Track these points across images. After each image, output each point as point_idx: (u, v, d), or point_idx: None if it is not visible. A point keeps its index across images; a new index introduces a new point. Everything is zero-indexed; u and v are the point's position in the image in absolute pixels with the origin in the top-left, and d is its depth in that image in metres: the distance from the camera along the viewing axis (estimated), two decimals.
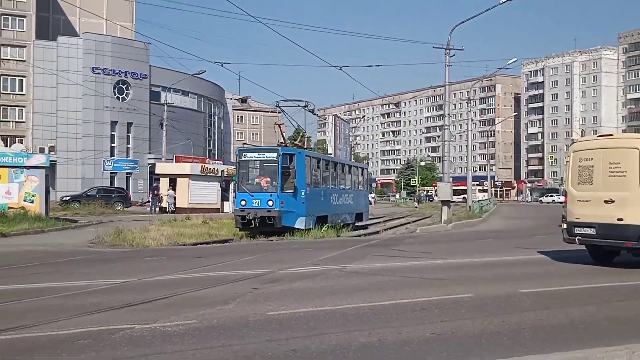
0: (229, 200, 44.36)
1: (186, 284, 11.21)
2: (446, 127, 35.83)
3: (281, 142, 26.97)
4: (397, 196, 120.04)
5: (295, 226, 23.43)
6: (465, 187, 58.94)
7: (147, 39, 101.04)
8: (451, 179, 36.33)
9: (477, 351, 6.47)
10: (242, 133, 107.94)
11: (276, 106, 29.91)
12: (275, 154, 23.34)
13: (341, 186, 30.75)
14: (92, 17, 69.24)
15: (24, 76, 65.26)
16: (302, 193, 23.65)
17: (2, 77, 64.41)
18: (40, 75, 64.12)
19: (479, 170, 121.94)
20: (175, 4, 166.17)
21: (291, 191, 22.97)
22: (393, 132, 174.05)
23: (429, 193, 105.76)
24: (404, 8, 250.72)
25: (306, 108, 29.12)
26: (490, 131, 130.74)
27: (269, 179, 22.93)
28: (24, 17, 65.82)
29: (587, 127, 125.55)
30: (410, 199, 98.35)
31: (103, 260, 15.93)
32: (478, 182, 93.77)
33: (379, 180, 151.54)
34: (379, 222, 35.96)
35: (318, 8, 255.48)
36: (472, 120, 66.37)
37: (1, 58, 64.42)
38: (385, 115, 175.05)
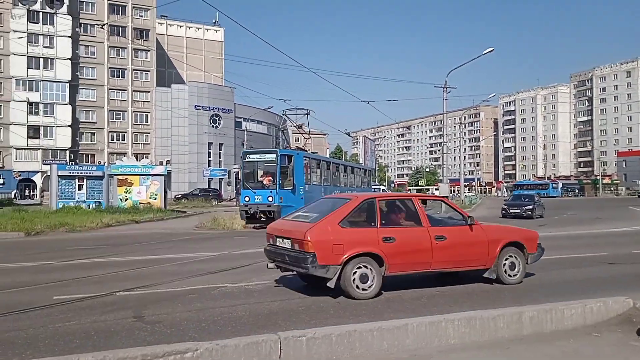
0: None
1: (262, 256, 11.20)
2: (444, 143, 35.55)
3: (286, 146, 23.17)
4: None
5: None
6: (459, 186, 58.05)
7: (233, 84, 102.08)
8: (448, 180, 35.96)
9: (468, 304, 6.35)
10: None
11: (282, 114, 25.81)
12: (274, 155, 19.79)
13: (343, 184, 26.45)
14: (194, 70, 70.63)
15: (149, 112, 66.67)
16: (301, 190, 20.03)
17: (134, 113, 65.98)
18: (159, 111, 65.49)
19: (469, 174, 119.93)
20: (252, 60, 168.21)
21: (290, 188, 19.47)
22: (406, 147, 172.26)
23: (433, 191, 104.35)
24: (413, 58, 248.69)
25: (308, 115, 24.23)
26: (477, 146, 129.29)
27: (270, 178, 19.49)
28: (148, 71, 67.26)
29: (547, 142, 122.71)
30: None
31: (204, 239, 16.09)
32: (467, 183, 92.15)
33: (396, 182, 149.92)
34: None
35: (351, 58, 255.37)
36: (463, 138, 65.56)
37: (134, 100, 66.02)
38: (400, 135, 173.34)
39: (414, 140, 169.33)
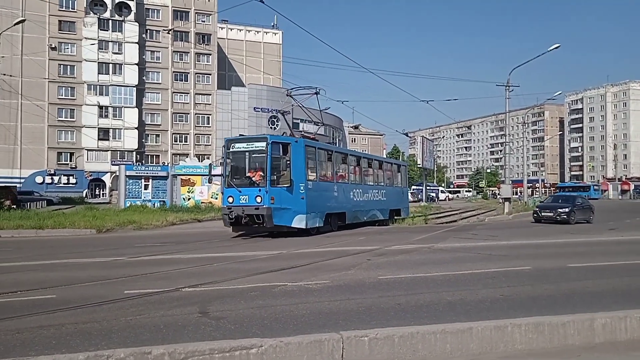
0: None
1: (320, 255, 11.35)
2: (506, 144, 34.38)
3: (289, 133, 18.83)
4: (469, 194, 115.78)
5: (293, 225, 15.83)
6: (521, 188, 56.07)
7: (291, 86, 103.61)
8: (511, 181, 34.79)
9: (536, 309, 6.14)
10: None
11: (287, 94, 21.52)
12: (263, 144, 15.48)
13: (367, 182, 21.90)
14: (253, 72, 72.05)
15: (210, 114, 68.59)
16: (302, 187, 15.95)
17: (196, 115, 68.10)
18: (220, 113, 67.25)
19: (532, 175, 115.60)
20: (310, 62, 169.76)
21: (286, 185, 15.52)
22: (465, 147, 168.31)
23: (493, 192, 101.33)
24: (473, 56, 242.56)
25: (317, 94, 19.87)
26: (540, 146, 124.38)
27: (261, 173, 15.50)
28: (210, 74, 69.20)
29: (618, 142, 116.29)
30: (480, 197, 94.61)
31: (263, 238, 16.35)
32: (531, 184, 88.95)
33: (455, 182, 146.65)
34: (456, 214, 34.76)
35: (409, 57, 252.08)
36: (526, 138, 63.28)
37: (196, 102, 68.14)
38: (460, 135, 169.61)
39: (474, 140, 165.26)
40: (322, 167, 18.43)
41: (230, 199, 15.64)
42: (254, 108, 67.32)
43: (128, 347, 4.11)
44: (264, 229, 16.05)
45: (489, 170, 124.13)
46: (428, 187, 61.04)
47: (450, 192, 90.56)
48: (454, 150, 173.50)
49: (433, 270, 9.24)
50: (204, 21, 68.67)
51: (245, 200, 15.44)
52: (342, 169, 19.96)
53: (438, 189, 77.67)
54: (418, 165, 58.73)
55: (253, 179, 15.56)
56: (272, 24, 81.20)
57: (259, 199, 15.23)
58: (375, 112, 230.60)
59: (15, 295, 7.01)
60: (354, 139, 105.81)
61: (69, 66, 61.72)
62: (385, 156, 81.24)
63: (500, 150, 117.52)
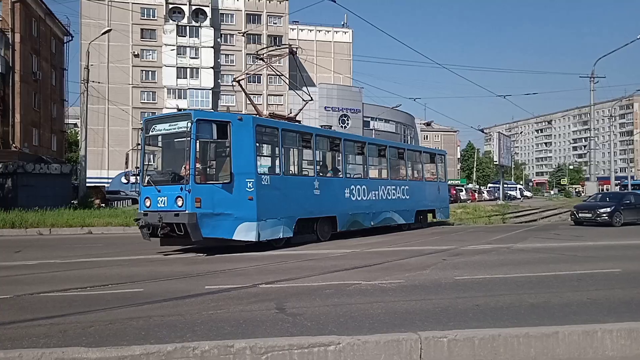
0: None
1: (393, 254, 11.27)
2: (592, 138, 32.48)
3: (270, 114, 14.70)
4: (551, 192, 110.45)
5: (236, 237, 11.41)
6: (608, 185, 52.74)
7: (361, 84, 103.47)
8: (596, 178, 32.78)
9: (628, 314, 5.76)
10: None
11: (256, 57, 17.84)
12: (185, 123, 11.02)
13: (377, 175, 17.66)
14: (324, 72, 72.60)
15: (282, 114, 69.88)
16: (249, 184, 11.52)
17: (267, 115, 69.55)
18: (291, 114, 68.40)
19: (620, 171, 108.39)
20: (380, 59, 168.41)
21: (224, 181, 11.28)
22: (545, 143, 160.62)
23: (576, 190, 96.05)
24: (554, 47, 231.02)
25: (295, 55, 16.58)
26: (629, 140, 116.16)
27: (194, 166, 10.90)
28: (280, 75, 70.52)
29: None
30: (561, 195, 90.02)
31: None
32: (619, 181, 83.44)
33: (534, 180, 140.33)
34: (536, 212, 33.25)
35: (483, 51, 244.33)
36: (613, 132, 59.44)
37: (268, 103, 69.71)
38: (539, 130, 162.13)
39: (554, 135, 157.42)
40: (292, 156, 14.44)
41: (148, 202, 11.41)
42: (325, 107, 67.92)
43: (211, 339, 4.27)
44: (212, 242, 11.56)
45: (571, 167, 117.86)
46: (505, 185, 58.84)
47: (527, 190, 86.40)
48: (532, 146, 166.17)
49: (513, 271, 8.91)
50: (276, 23, 70.08)
51: (164, 204, 11.08)
52: (330, 158, 15.63)
53: (516, 187, 74.71)
54: (494, 163, 56.69)
55: (176, 173, 11.18)
56: (343, 23, 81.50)
57: (179, 202, 10.81)
58: (448, 108, 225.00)
59: (107, 288, 7.49)
60: (426, 136, 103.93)
61: (150, 72, 65.12)
62: (460, 155, 79.06)
63: (584, 146, 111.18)
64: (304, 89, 71.08)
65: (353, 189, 15.45)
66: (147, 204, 11.44)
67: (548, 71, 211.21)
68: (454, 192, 52.19)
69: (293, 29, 76.81)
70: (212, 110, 63.49)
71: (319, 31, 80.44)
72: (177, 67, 65.19)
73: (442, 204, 21.02)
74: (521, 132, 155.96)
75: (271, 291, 7.16)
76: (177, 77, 65.32)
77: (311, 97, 16.88)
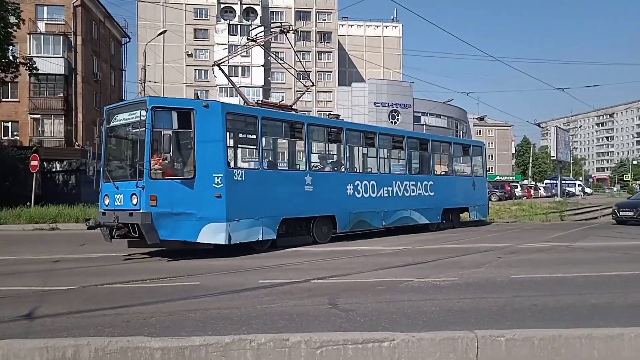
0: None
1: (446, 252, 11.11)
2: None
3: (260, 102, 13.33)
4: (614, 189, 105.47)
5: (200, 240, 10.06)
6: None
7: (411, 79, 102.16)
8: None
9: None
10: None
11: (248, 39, 15.92)
12: (137, 112, 10.04)
13: (390, 170, 15.29)
14: (374, 67, 72.20)
15: (331, 111, 70.04)
16: (218, 179, 10.18)
17: (318, 112, 69.91)
18: (341, 109, 68.37)
19: None
20: (431, 53, 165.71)
21: (186, 177, 9.99)
22: (606, 137, 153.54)
23: None
24: (616, 37, 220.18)
25: (287, 32, 14.65)
26: None
27: (149, 159, 9.76)
28: (330, 72, 70.71)
29: None
30: (624, 191, 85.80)
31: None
32: None
33: (595, 176, 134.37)
34: (597, 210, 31.79)
35: (538, 43, 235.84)
36: None
37: (317, 100, 70.04)
38: (600, 124, 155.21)
39: (617, 129, 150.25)
40: (277, 149, 13.46)
41: (106, 200, 10.41)
42: (374, 103, 67.51)
43: (266, 332, 4.36)
44: (174, 244, 10.41)
45: (635, 162, 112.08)
46: (563, 181, 56.70)
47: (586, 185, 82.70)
48: (592, 140, 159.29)
49: (573, 270, 8.59)
50: (325, 20, 70.20)
51: (120, 202, 10.06)
52: (329, 151, 14.41)
53: (575, 183, 71.85)
54: (552, 158, 54.70)
55: (135, 168, 9.96)
56: (392, 18, 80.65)
57: (134, 200, 9.75)
58: (502, 102, 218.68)
59: (166, 280, 7.77)
60: (479, 130, 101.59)
61: (203, 71, 66.73)
62: (515, 150, 76.70)
63: None
64: (354, 84, 70.58)
65: (358, 184, 13.76)
66: (106, 202, 10.43)
67: (609, 62, 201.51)
68: (508, 188, 50.76)
69: (342, 25, 76.69)
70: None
71: (369, 26, 79.90)
72: (228, 66, 66.39)
73: (478, 202, 18.76)
74: (580, 126, 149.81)
75: (323, 287, 7.21)
76: (229, 76, 66.64)
77: (313, 83, 14.98)
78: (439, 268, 8.82)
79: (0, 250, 11.38)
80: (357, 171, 14.71)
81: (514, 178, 77.31)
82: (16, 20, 22.47)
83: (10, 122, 34.95)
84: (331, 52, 70.13)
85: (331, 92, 69.96)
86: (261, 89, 66.62)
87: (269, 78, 68.34)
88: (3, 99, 33.53)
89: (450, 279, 7.72)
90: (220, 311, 5.71)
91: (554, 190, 54.29)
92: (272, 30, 15.87)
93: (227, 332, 4.71)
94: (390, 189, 14.82)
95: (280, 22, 15.72)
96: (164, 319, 5.38)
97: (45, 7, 35.10)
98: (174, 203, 9.80)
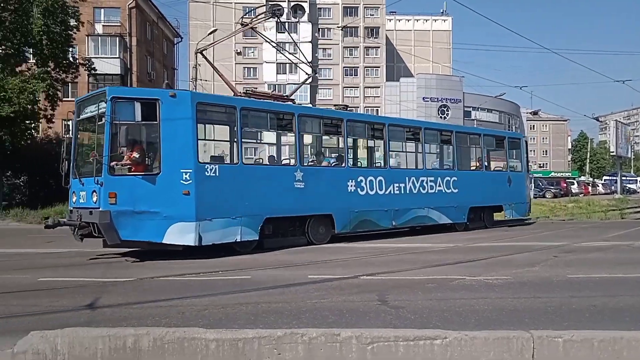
0: None
1: (499, 250, 10.85)
2: None
3: (247, 95, 11.77)
4: None
5: (166, 241, 9.33)
6: None
7: (461, 73, 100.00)
8: None
9: None
10: (533, 138, 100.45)
11: (241, 23, 15.62)
12: (96, 106, 9.55)
13: (407, 164, 14.42)
14: (422, 62, 71.22)
15: (379, 106, 69.55)
16: (186, 176, 9.42)
17: (365, 108, 69.63)
18: (389, 105, 67.82)
19: None
20: (481, 46, 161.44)
21: (152, 172, 9.38)
22: None
23: None
24: None
25: (277, 17, 13.91)
26: None
27: (108, 154, 9.18)
28: (378, 67, 70.28)
29: None
30: None
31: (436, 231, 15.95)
32: None
33: None
34: None
35: (596, 33, 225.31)
36: None
37: (365, 96, 69.77)
38: None
39: None
40: (260, 141, 12.28)
41: (74, 197, 9.93)
42: (423, 98, 66.53)
43: (316, 327, 4.40)
44: (139, 245, 9.90)
45: None
46: (624, 178, 54.21)
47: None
48: None
49: (633, 270, 8.21)
50: (373, 15, 69.76)
51: (84, 199, 9.55)
52: (327, 144, 13.48)
53: (636, 180, 68.54)
54: (611, 153, 52.44)
55: (101, 163, 9.16)
56: (442, 10, 79.23)
57: (94, 197, 9.22)
58: (557, 95, 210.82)
59: (218, 274, 7.97)
60: (533, 125, 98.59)
61: (252, 68, 67.78)
62: (571, 144, 73.91)
63: None
64: (402, 79, 69.77)
65: (362, 180, 12.58)
66: (74, 199, 9.92)
67: None
68: (564, 185, 49.02)
69: (390, 20, 75.94)
70: (305, 104, 64.61)
71: (417, 20, 78.82)
72: (276, 63, 67.14)
73: (516, 199, 16.96)
74: None
75: (372, 283, 7.21)
76: (277, 73, 67.30)
77: (315, 71, 13.79)
78: (491, 266, 8.63)
79: (57, 243, 11.88)
80: (362, 166, 13.78)
81: (570, 174, 74.43)
82: (76, 23, 23.46)
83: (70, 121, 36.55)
84: (379, 47, 69.64)
85: (379, 87, 69.48)
86: (309, 85, 66.97)
87: (316, 74, 68.57)
88: (63, 99, 35.17)
89: (503, 277, 7.54)
90: (271, 305, 5.81)
91: (613, 187, 52.03)
92: (264, 13, 15.31)
93: (278, 325, 4.79)
94: (402, 185, 13.56)
95: (272, 5, 14.13)
96: (217, 311, 5.53)
97: (102, 10, 36.50)
98: (136, 201, 9.15)
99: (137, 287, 7.12)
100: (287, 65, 67.21)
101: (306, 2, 67.14)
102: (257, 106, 11.19)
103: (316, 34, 68.18)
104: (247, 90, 12.21)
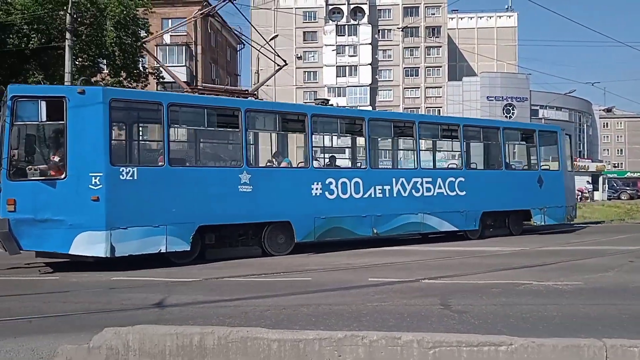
0: (597, 191, 40.15)
1: (568, 254, 10.36)
2: None
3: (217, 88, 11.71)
4: None
5: (74, 252, 8.49)
6: None
7: (528, 70, 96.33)
8: None
9: None
10: (607, 136, 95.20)
11: (206, 15, 13.63)
12: (5, 104, 8.75)
13: (390, 164, 13.71)
14: (486, 60, 69.23)
15: (440, 107, 68.25)
16: (95, 180, 8.51)
17: (426, 109, 68.56)
18: (451, 105, 66.41)
19: None
20: (549, 42, 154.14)
21: (56, 177, 8.54)
22: None
23: None
24: None
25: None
26: None
27: (8, 156, 8.46)
28: (440, 67, 69.02)
29: None
30: None
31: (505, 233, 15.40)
32: None
33: None
34: None
35: None
36: None
37: (426, 96, 68.72)
38: None
39: None
40: (198, 141, 10.85)
41: None
42: (487, 97, 64.63)
43: (377, 330, 4.37)
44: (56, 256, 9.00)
45: None
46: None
47: None
48: None
49: None
50: (434, 14, 68.64)
51: None
52: (287, 143, 12.41)
53: None
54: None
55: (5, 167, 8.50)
56: (506, 7, 76.78)
57: None
58: (633, 91, 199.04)
59: (279, 275, 8.10)
60: (606, 123, 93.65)
61: (312, 72, 68.37)
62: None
63: None
64: (465, 78, 68.20)
65: (331, 183, 10.95)
66: None
67: None
68: None
69: (452, 19, 74.41)
70: (366, 107, 64.30)
71: (480, 18, 76.74)
72: (336, 66, 67.43)
73: (549, 202, 14.42)
74: None
75: (435, 287, 7.08)
76: (337, 76, 67.56)
77: (286, 62, 12.52)
78: (561, 271, 8.26)
79: None
80: (331, 167, 12.11)
81: None
82: (146, 34, 24.60)
83: None
84: (440, 46, 68.42)
85: (440, 87, 68.20)
86: (368, 87, 66.78)
87: (377, 76, 68.28)
88: None
89: (573, 283, 7.20)
90: (332, 307, 5.83)
91: None
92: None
93: (339, 327, 4.80)
94: (387, 187, 11.72)
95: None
96: (278, 312, 5.62)
97: (170, 20, 38.03)
98: (38, 208, 8.36)
99: (203, 287, 7.36)
100: (347, 67, 67.38)
101: (366, 4, 67.00)
102: (190, 102, 10.02)
103: (376, 36, 67.90)
104: (199, 86, 11.37)
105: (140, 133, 11.18)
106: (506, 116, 64.90)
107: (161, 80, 27.22)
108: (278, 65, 12.42)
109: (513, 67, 70.09)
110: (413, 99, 68.79)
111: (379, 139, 13.03)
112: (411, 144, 12.75)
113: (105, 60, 23.52)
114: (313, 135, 10.98)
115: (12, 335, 4.76)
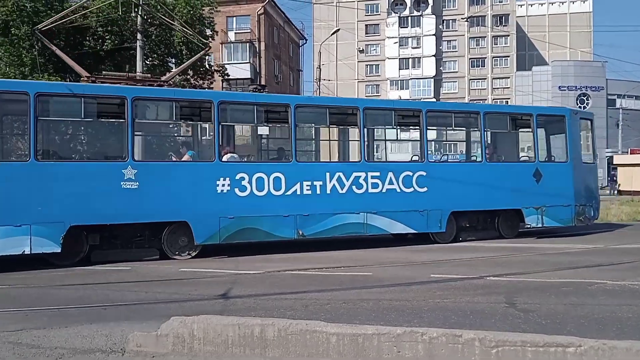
0: None
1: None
2: None
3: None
4: None
5: None
6: None
7: (603, 58, 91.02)
8: None
9: None
10: None
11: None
12: None
13: (327, 157, 12.26)
14: (558, 49, 65.87)
15: (509, 98, 65.84)
16: None
17: (493, 100, 66.35)
18: (519, 96, 63.89)
19: None
20: (628, 27, 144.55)
21: None
22: None
23: None
24: None
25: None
26: None
27: None
28: (508, 56, 66.56)
29: None
30: None
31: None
32: None
33: None
34: None
35: None
36: None
37: (493, 87, 66.52)
38: None
39: None
40: (73, 133, 9.81)
41: None
42: (559, 87, 61.65)
43: (438, 327, 4.31)
44: None
45: None
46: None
47: None
48: None
49: None
50: (501, 1, 66.23)
51: None
52: (182, 133, 11.29)
53: None
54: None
55: None
56: None
57: None
58: None
59: (340, 269, 8.14)
60: None
61: (374, 66, 67.89)
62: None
63: None
64: (535, 68, 65.54)
65: (243, 178, 9.66)
66: None
67: None
68: None
69: (521, 6, 71.50)
70: (428, 99, 62.97)
71: (552, 4, 73.19)
72: (399, 59, 66.59)
73: (549, 200, 11.96)
74: None
75: (499, 284, 6.88)
76: (399, 69, 66.72)
77: (209, 46, 10.46)
78: (638, 270, 7.79)
79: None
80: (249, 160, 10.97)
81: None
82: (211, 33, 25.31)
83: None
84: (508, 35, 65.94)
85: (508, 78, 65.81)
86: (432, 79, 65.47)
87: (441, 68, 66.81)
88: None
89: None
90: (392, 302, 5.80)
91: None
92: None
93: (399, 323, 4.76)
94: (317, 183, 10.21)
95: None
96: (338, 306, 5.65)
97: (234, 18, 38.92)
98: None
99: (265, 279, 7.52)
100: (410, 59, 66.37)
101: None
102: (59, 91, 9.04)
103: (440, 26, 66.39)
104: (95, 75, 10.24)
105: (3, 126, 10.14)
106: (580, 107, 61.68)
107: (226, 77, 27.93)
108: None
109: (588, 55, 66.41)
110: (479, 90, 66.87)
111: (311, 129, 11.74)
112: (356, 134, 11.07)
113: (173, 60, 24.40)
114: (220, 125, 9.67)
115: (88, 321, 5.08)
